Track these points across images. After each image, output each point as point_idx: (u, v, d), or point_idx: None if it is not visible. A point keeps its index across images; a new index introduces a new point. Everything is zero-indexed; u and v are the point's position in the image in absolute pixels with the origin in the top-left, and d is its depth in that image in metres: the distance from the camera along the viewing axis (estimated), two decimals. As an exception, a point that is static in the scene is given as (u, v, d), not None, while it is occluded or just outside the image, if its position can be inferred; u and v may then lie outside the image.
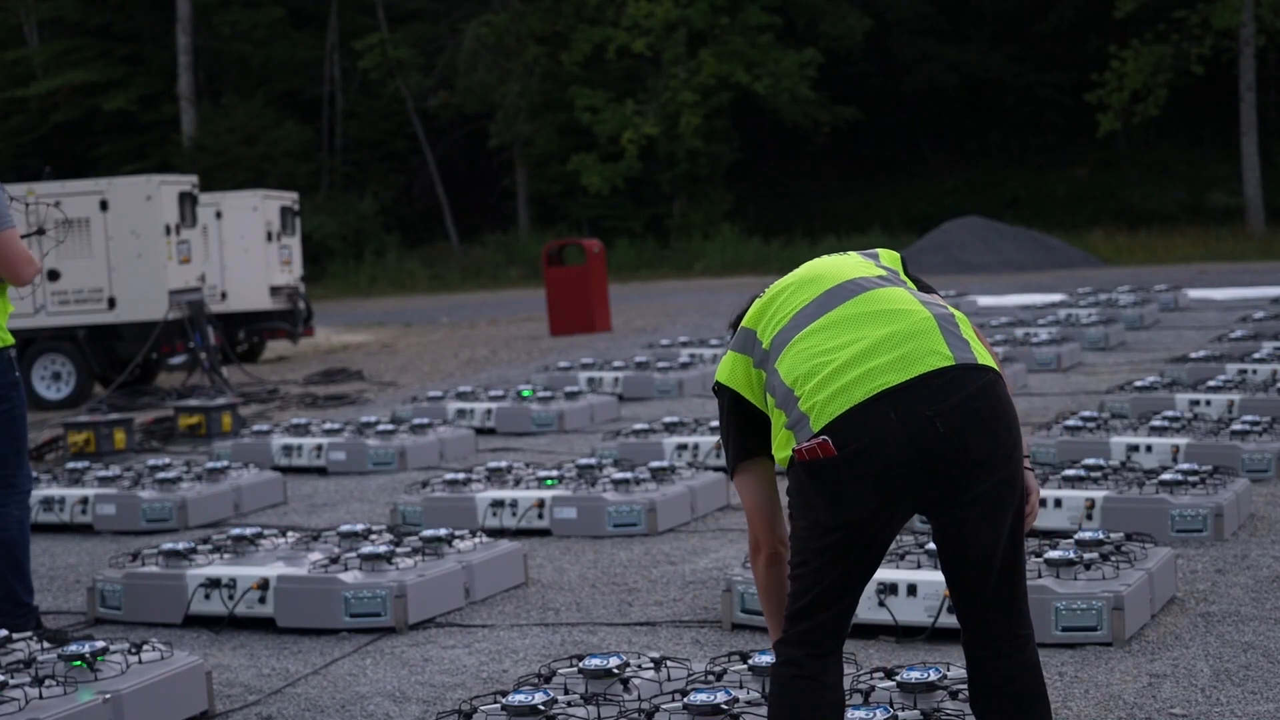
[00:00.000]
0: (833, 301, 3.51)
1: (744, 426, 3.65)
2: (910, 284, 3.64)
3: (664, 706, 4.30)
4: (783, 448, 3.48)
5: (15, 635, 5.34)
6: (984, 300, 19.52)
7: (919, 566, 5.77)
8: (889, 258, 3.71)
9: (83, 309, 15.72)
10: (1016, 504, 3.42)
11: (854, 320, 3.46)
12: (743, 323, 3.68)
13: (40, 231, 6.92)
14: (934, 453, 3.31)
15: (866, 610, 5.67)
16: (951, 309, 3.54)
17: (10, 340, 5.94)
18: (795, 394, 3.42)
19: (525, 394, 11.89)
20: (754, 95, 36.79)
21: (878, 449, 3.31)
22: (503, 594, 6.69)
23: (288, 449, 10.48)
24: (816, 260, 3.71)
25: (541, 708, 4.31)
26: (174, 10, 40.31)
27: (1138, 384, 10.40)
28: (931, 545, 5.83)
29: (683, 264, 35.61)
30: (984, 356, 3.42)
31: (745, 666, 4.60)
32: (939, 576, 5.62)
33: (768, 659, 4.53)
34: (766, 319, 3.60)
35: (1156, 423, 8.66)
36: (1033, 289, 21.89)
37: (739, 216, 37.98)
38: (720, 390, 3.69)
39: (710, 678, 4.59)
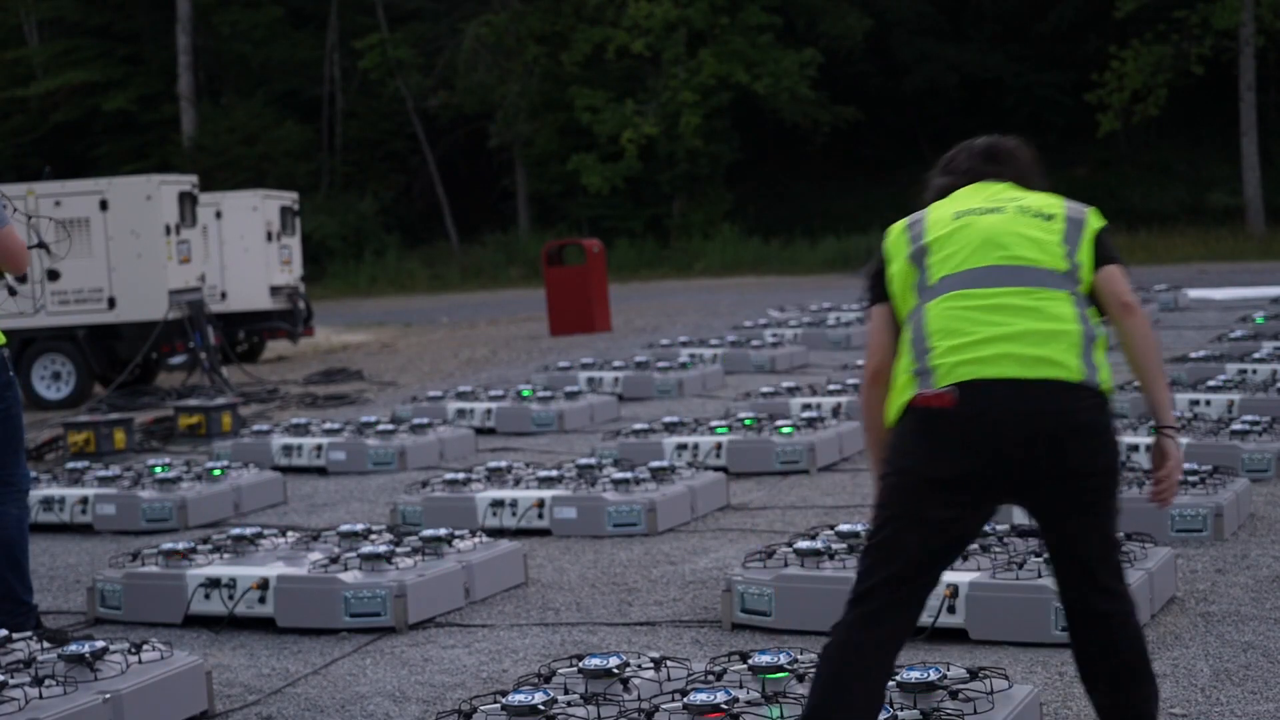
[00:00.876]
0: (1005, 279, 3.72)
1: (882, 288, 3.92)
2: (1084, 262, 3.79)
3: (664, 706, 4.30)
4: (901, 393, 3.70)
5: (15, 635, 5.34)
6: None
7: (919, 566, 5.76)
8: (1058, 230, 3.81)
9: (83, 309, 15.72)
10: (1110, 502, 3.69)
11: (1013, 310, 3.68)
12: (927, 234, 3.86)
13: (43, 246, 6.89)
14: (1035, 453, 3.56)
15: (866, 610, 5.67)
16: (1099, 329, 3.76)
17: (2, 339, 5.94)
18: (929, 346, 3.68)
19: (525, 393, 11.89)
20: (754, 95, 36.78)
21: (992, 426, 3.56)
22: (503, 594, 6.69)
23: (288, 449, 10.48)
24: (1006, 220, 3.82)
25: (541, 708, 4.30)
26: (174, 10, 40.31)
27: (1137, 384, 10.38)
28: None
29: (683, 264, 35.61)
30: (1106, 382, 3.70)
31: (745, 666, 4.60)
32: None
33: (767, 658, 4.53)
34: (945, 252, 3.81)
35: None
36: (1033, 289, 21.83)
37: (739, 216, 37.98)
38: (884, 247, 3.94)
39: (710, 678, 4.59)
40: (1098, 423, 3.65)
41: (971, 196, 3.97)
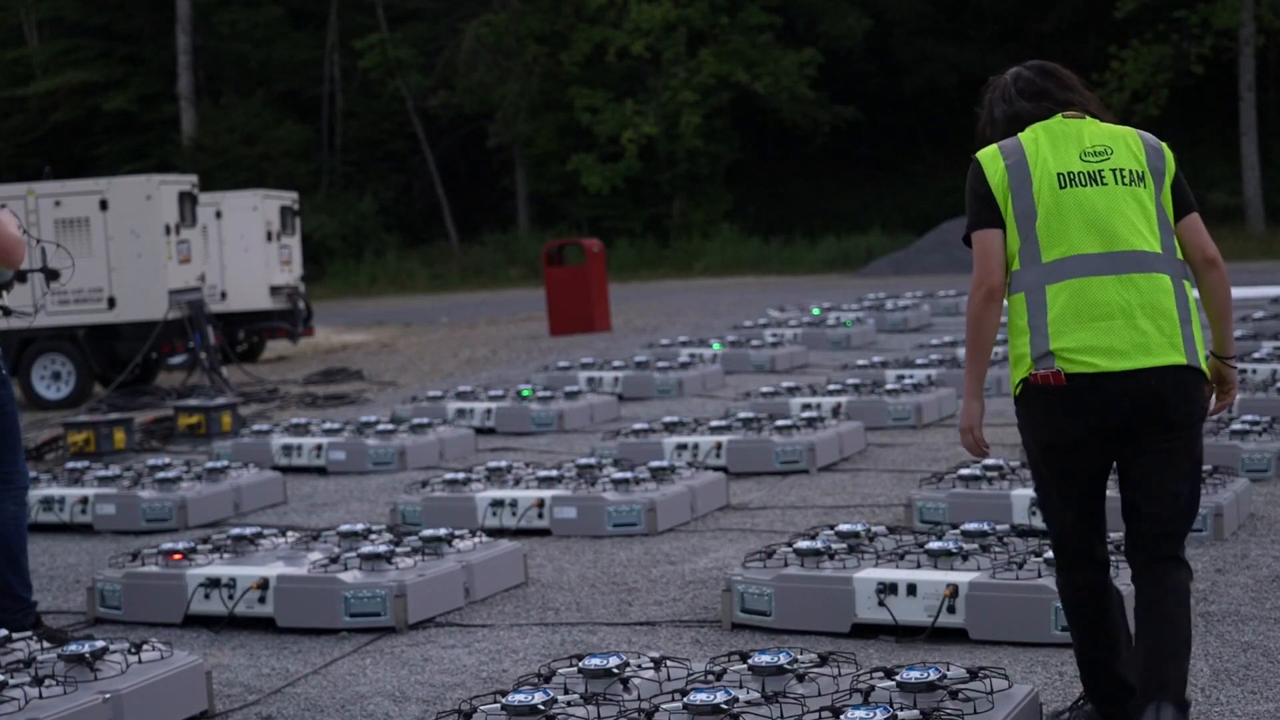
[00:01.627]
0: (1116, 267, 4.11)
1: (995, 210, 4.20)
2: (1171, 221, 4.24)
3: (664, 706, 4.30)
4: (1019, 368, 4.14)
5: (15, 635, 5.34)
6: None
7: (918, 566, 5.77)
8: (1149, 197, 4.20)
9: (82, 309, 15.72)
10: (1189, 463, 4.16)
11: (1125, 305, 4.09)
12: (1035, 196, 4.16)
13: (55, 275, 6.88)
14: (1135, 413, 4.07)
15: (866, 610, 5.68)
16: (1193, 304, 4.21)
17: None
18: (1049, 330, 4.08)
19: (526, 393, 11.89)
20: (754, 95, 36.79)
21: (1098, 402, 4.06)
22: (502, 594, 6.69)
23: (287, 449, 10.48)
24: (1108, 196, 4.15)
25: (541, 707, 4.30)
26: (174, 10, 40.32)
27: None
28: (932, 544, 5.83)
29: (682, 264, 35.61)
30: (1200, 357, 4.15)
31: (745, 666, 4.60)
32: (939, 576, 5.63)
33: (767, 658, 4.54)
34: (1056, 229, 4.13)
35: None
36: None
37: (739, 216, 37.98)
38: (979, 173, 4.22)
39: (710, 677, 4.59)
40: (1196, 392, 4.15)
41: (1066, 147, 4.22)
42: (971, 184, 4.27)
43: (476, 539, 6.81)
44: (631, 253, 36.28)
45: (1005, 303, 4.24)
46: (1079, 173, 4.16)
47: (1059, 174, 4.16)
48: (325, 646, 6.02)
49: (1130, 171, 4.18)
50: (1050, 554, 5.61)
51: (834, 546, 6.01)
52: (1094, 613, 4.33)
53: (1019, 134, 4.29)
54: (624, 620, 6.17)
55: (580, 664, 4.65)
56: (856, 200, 39.00)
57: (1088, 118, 4.29)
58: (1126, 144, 4.22)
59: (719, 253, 35.23)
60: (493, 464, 8.51)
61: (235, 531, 6.89)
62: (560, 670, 4.70)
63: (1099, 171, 4.16)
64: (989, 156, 4.26)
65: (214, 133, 39.82)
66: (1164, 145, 4.28)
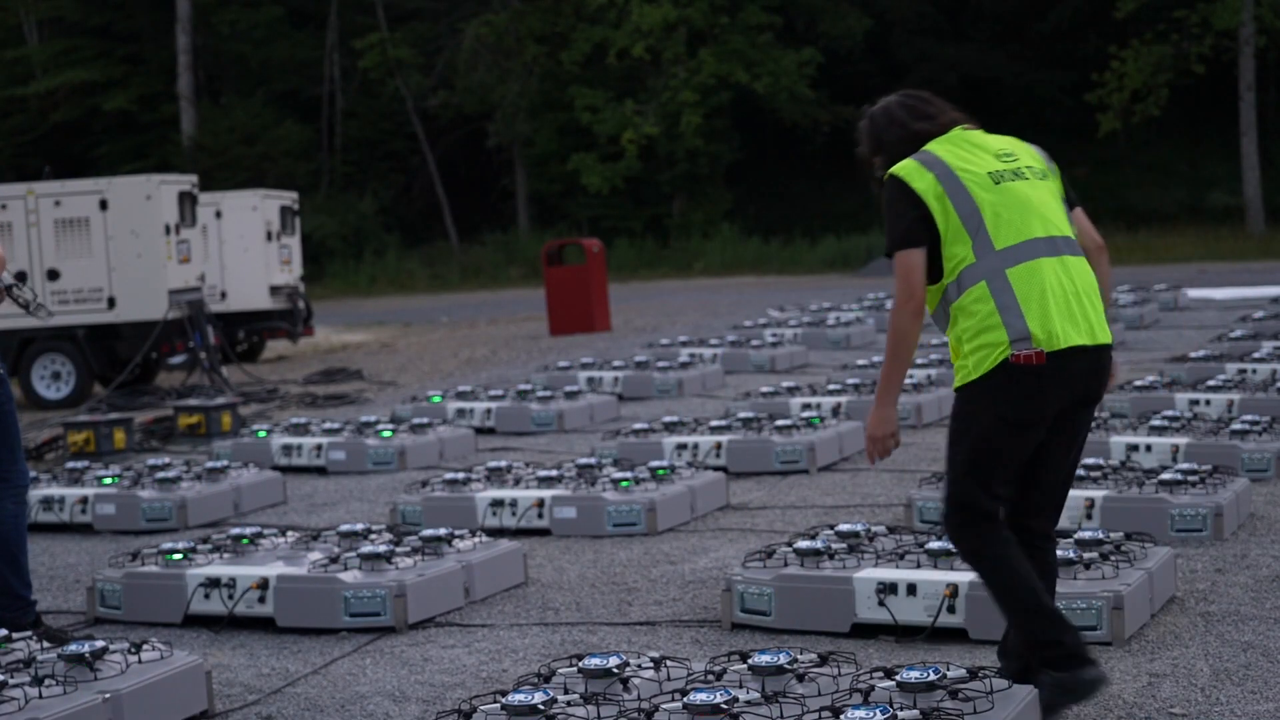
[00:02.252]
0: (1057, 249, 4.45)
1: (920, 227, 4.44)
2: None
3: (664, 706, 4.30)
4: (994, 351, 4.35)
5: (15, 635, 5.34)
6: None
7: (918, 566, 5.77)
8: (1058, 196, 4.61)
9: (82, 309, 15.71)
10: (1087, 434, 4.63)
11: (1071, 286, 4.41)
12: (974, 195, 4.44)
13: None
14: (1085, 390, 4.45)
15: (866, 610, 5.68)
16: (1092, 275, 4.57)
17: None
18: (1021, 309, 4.34)
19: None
20: (754, 95, 36.78)
21: (1066, 379, 4.38)
22: (502, 594, 6.69)
23: (287, 449, 10.48)
24: (1032, 188, 4.52)
25: (541, 707, 4.30)
26: (174, 10, 40.31)
27: (1137, 383, 10.41)
28: (932, 544, 5.83)
29: (682, 263, 35.60)
30: (1110, 335, 4.54)
31: (745, 666, 4.60)
32: (939, 576, 5.62)
33: (767, 658, 4.54)
34: (1002, 219, 4.42)
35: (1156, 422, 8.66)
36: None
37: (739, 216, 37.97)
38: (905, 189, 4.44)
39: (710, 677, 4.59)
40: (1107, 369, 4.57)
41: (979, 152, 4.55)
42: (893, 200, 4.49)
43: (476, 539, 6.81)
44: (631, 253, 36.28)
45: (953, 301, 4.46)
46: (1004, 170, 4.51)
47: (989, 173, 4.49)
48: (325, 646, 6.02)
49: (1039, 169, 4.60)
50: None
51: (834, 546, 6.01)
52: (1019, 553, 4.49)
53: (928, 147, 4.56)
54: (624, 620, 6.17)
55: (580, 664, 4.65)
56: (856, 200, 38.98)
57: (979, 129, 4.64)
58: (1023, 147, 4.64)
59: (719, 253, 35.22)
60: (493, 464, 8.51)
61: (235, 531, 6.89)
62: (560, 670, 4.70)
63: (1018, 169, 4.54)
64: (911, 170, 4.49)
65: (214, 132, 39.81)
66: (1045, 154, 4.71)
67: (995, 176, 4.48)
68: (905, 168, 4.50)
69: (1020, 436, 4.43)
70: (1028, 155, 4.61)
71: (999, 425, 4.41)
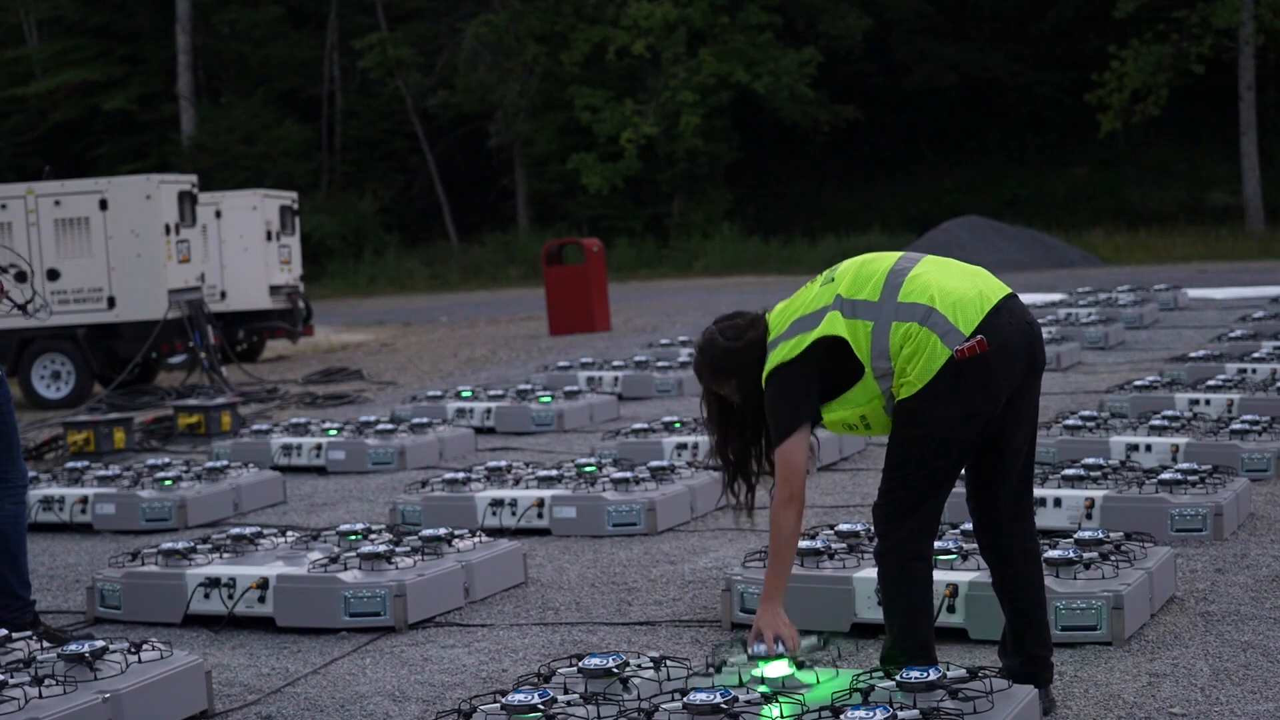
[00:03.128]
0: (911, 262, 4.58)
1: (814, 393, 4.56)
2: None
3: (663, 706, 4.30)
4: (933, 360, 4.40)
5: (15, 635, 5.34)
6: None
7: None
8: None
9: (82, 308, 15.71)
10: (1036, 412, 4.66)
11: (940, 268, 4.56)
12: (841, 291, 4.57)
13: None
14: (1030, 349, 4.52)
15: (866, 610, 5.68)
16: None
17: None
18: (938, 309, 4.42)
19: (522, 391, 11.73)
20: (753, 94, 36.78)
21: (1010, 345, 4.45)
22: (502, 593, 6.69)
23: (287, 448, 10.47)
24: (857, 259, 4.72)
25: (541, 707, 4.30)
26: (173, 9, 40.31)
27: (1137, 383, 10.40)
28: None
29: (682, 263, 35.61)
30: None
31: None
32: (938, 576, 5.61)
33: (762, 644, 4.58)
34: (859, 285, 4.55)
35: (1156, 422, 8.66)
36: (1032, 288, 21.87)
37: (738, 216, 37.98)
38: (808, 354, 4.53)
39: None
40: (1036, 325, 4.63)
41: (800, 295, 4.76)
42: (790, 378, 4.57)
43: (476, 539, 6.81)
44: (631, 252, 36.28)
45: (884, 364, 4.49)
46: (829, 274, 4.73)
47: (822, 282, 4.69)
48: (325, 646, 6.02)
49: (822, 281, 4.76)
50: (1050, 553, 5.61)
51: (834, 546, 6.01)
52: (928, 581, 4.61)
53: (773, 333, 4.71)
54: (624, 620, 6.17)
55: (580, 664, 4.64)
56: (856, 200, 39.00)
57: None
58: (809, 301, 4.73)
59: (719, 252, 35.23)
60: (492, 464, 8.51)
61: (235, 531, 6.88)
62: (560, 670, 4.70)
63: (831, 277, 4.71)
64: (809, 339, 4.55)
65: (213, 132, 39.81)
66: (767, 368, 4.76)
67: (827, 277, 4.70)
68: (799, 343, 4.58)
69: (971, 433, 4.47)
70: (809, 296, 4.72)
71: (952, 427, 4.45)
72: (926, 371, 4.42)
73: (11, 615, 6.02)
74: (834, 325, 4.54)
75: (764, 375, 4.66)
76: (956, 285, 4.49)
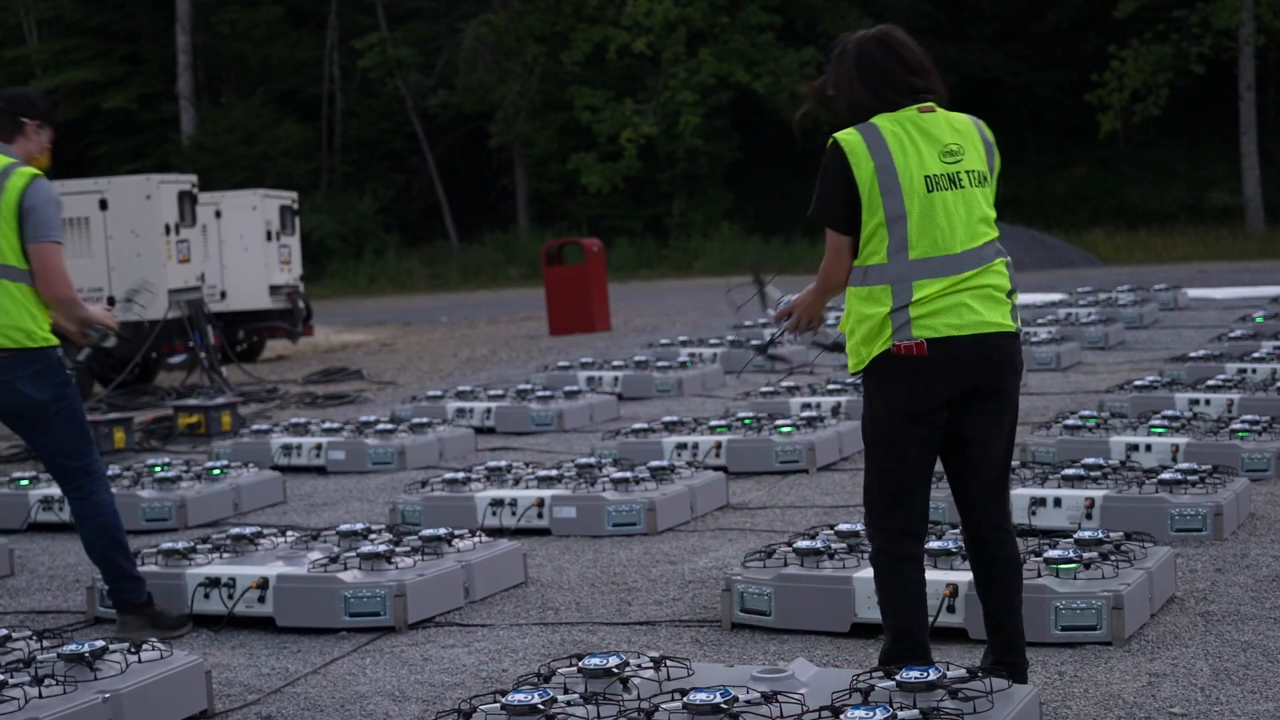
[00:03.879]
0: (972, 263, 4.47)
1: (852, 212, 4.50)
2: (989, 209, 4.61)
3: (663, 706, 4.30)
4: (875, 339, 4.45)
5: (15, 635, 5.34)
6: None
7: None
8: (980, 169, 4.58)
9: (82, 308, 15.68)
10: (1012, 421, 4.62)
11: (979, 290, 4.48)
12: (903, 194, 4.43)
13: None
14: (982, 379, 4.49)
15: (866, 610, 5.67)
16: (1014, 283, 4.61)
17: (56, 341, 6.06)
18: (910, 314, 4.41)
19: (523, 390, 11.79)
20: (753, 94, 36.79)
21: (954, 367, 4.44)
22: (502, 593, 6.69)
23: (287, 448, 10.47)
24: (965, 200, 4.50)
25: (541, 707, 4.30)
26: (173, 9, 40.31)
27: (1137, 383, 10.41)
28: (931, 545, 5.83)
29: (682, 263, 35.61)
30: (1014, 323, 4.57)
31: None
32: (938, 576, 5.62)
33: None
34: (922, 229, 4.43)
35: (1156, 422, 8.66)
36: (1032, 288, 21.88)
37: (738, 215, 37.98)
38: (844, 171, 4.48)
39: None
40: (1019, 357, 4.62)
41: (928, 145, 4.50)
42: (832, 173, 4.53)
43: (476, 539, 6.81)
44: (631, 252, 36.28)
45: (853, 285, 4.54)
46: (941, 175, 4.49)
47: (925, 177, 4.47)
48: (325, 646, 6.01)
49: (978, 173, 4.56)
50: (1050, 553, 5.62)
51: (834, 546, 6.01)
52: (920, 581, 4.62)
53: (879, 124, 4.51)
54: (624, 620, 6.17)
55: (580, 664, 4.64)
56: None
57: (939, 110, 4.56)
58: (973, 143, 4.57)
59: (719, 252, 35.23)
60: (492, 464, 8.51)
61: (235, 531, 6.88)
62: (560, 670, 4.70)
63: (956, 174, 4.51)
64: (854, 149, 4.49)
65: (213, 132, 39.82)
66: (992, 138, 4.68)
67: (930, 182, 4.47)
68: (850, 143, 4.50)
69: (910, 427, 4.49)
70: (973, 153, 4.56)
71: (890, 415, 4.50)
72: (867, 352, 4.52)
73: (128, 596, 6.12)
74: (870, 201, 4.48)
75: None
76: (953, 296, 4.48)
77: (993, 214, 4.60)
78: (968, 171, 4.52)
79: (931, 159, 4.49)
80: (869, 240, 4.49)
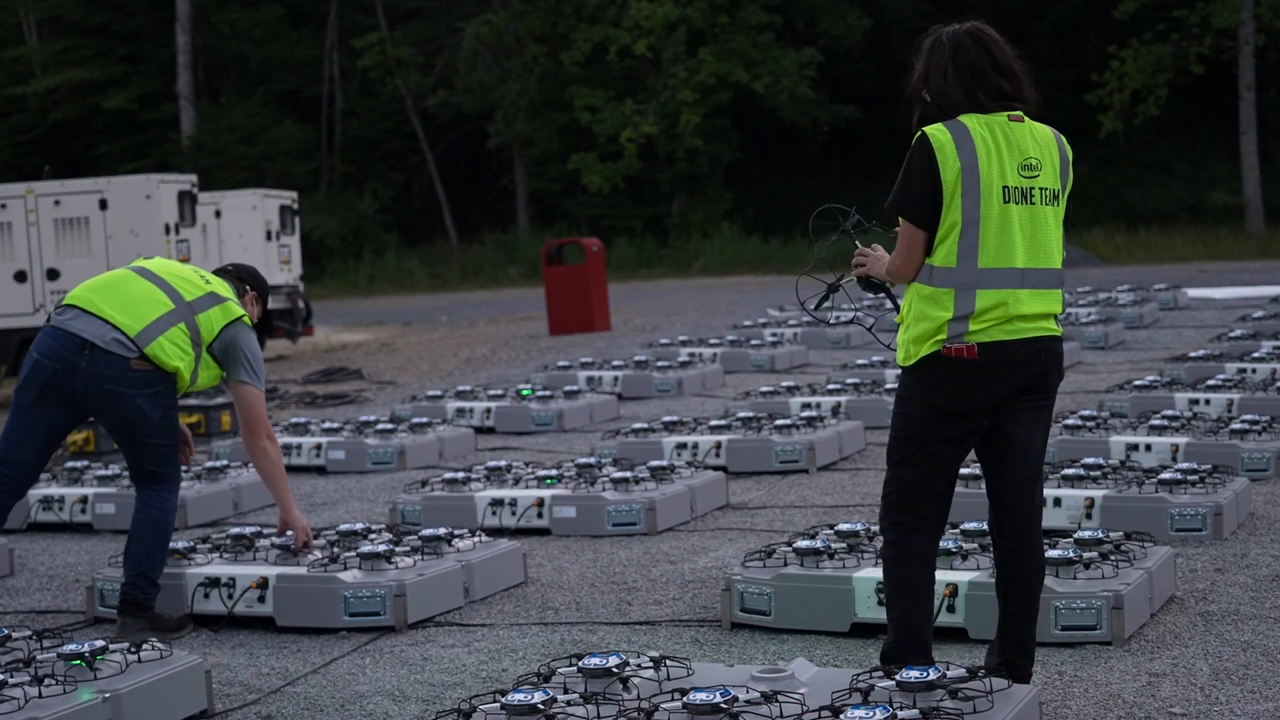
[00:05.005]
0: (1038, 283, 4.53)
1: (932, 208, 4.49)
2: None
3: (663, 706, 4.30)
4: (927, 340, 4.49)
5: (15, 635, 5.34)
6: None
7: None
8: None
9: (82, 308, 15.68)
10: (1049, 421, 4.68)
11: (1037, 312, 4.53)
12: (981, 198, 4.44)
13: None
14: (1030, 379, 4.54)
15: (866, 610, 5.67)
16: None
17: (179, 367, 6.30)
18: (977, 307, 4.44)
19: (525, 392, 11.89)
20: (753, 94, 36.78)
21: (1004, 370, 4.49)
22: (502, 593, 6.69)
23: (287, 448, 10.47)
24: (1037, 218, 4.53)
25: (541, 707, 4.30)
26: (173, 9, 40.31)
27: (1137, 383, 10.41)
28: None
29: (682, 263, 35.60)
30: (1060, 330, 4.66)
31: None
32: (938, 576, 5.62)
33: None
34: (995, 240, 4.46)
35: (1156, 422, 8.66)
36: (1032, 288, 21.86)
37: (738, 215, 37.97)
38: (932, 169, 4.45)
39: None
40: (1063, 359, 4.69)
41: (1011, 155, 4.50)
42: (917, 167, 4.49)
43: (476, 538, 6.81)
44: (631, 252, 36.27)
45: (918, 283, 4.56)
46: (1017, 188, 4.49)
47: (1004, 187, 4.48)
48: (325, 646, 6.01)
49: (1051, 191, 4.56)
50: (1050, 553, 5.61)
51: (834, 546, 6.01)
52: (929, 578, 4.63)
53: (968, 124, 4.49)
54: (624, 620, 6.17)
55: (580, 663, 4.64)
56: (856, 200, 38.83)
57: (1026, 120, 4.56)
58: (1050, 159, 4.57)
59: (718, 252, 35.22)
60: (492, 463, 8.51)
61: (235, 531, 6.88)
62: (560, 670, 4.70)
63: (1030, 190, 4.52)
64: (943, 147, 4.46)
65: (213, 132, 39.82)
66: (1071, 154, 4.66)
67: (1008, 193, 4.48)
68: (940, 140, 4.48)
69: (950, 427, 4.52)
70: (1049, 169, 4.55)
71: (929, 413, 4.52)
72: (917, 350, 4.53)
73: (143, 597, 6.17)
74: (951, 201, 4.48)
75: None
76: (1010, 306, 4.53)
77: (1059, 235, 4.61)
78: (1041, 189, 4.54)
79: (1011, 170, 4.49)
80: (942, 241, 4.50)
